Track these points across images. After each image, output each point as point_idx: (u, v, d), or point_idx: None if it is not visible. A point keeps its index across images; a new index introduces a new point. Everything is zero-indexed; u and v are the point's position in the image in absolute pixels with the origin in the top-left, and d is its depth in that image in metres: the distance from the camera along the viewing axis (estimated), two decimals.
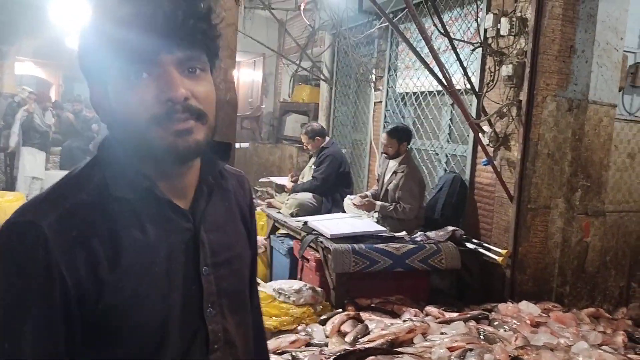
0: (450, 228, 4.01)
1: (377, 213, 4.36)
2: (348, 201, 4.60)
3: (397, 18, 4.98)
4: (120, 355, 0.82)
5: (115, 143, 0.87)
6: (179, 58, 0.82)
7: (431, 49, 3.56)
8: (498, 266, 3.87)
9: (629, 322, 3.50)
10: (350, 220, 4.23)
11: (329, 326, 3.09)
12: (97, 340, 0.81)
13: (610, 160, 3.96)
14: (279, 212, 4.83)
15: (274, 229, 4.78)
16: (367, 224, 4.14)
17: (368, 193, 4.58)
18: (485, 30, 4.06)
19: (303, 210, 4.70)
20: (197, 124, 0.83)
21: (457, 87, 3.86)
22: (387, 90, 5.89)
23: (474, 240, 4.12)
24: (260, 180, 6.54)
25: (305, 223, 4.07)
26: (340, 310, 3.35)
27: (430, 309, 3.35)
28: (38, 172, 8.13)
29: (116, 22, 0.79)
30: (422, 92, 5.26)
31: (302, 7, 6.95)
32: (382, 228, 3.99)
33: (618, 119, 3.99)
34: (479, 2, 4.24)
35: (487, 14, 4.06)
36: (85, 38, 0.84)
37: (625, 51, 3.94)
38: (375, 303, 3.50)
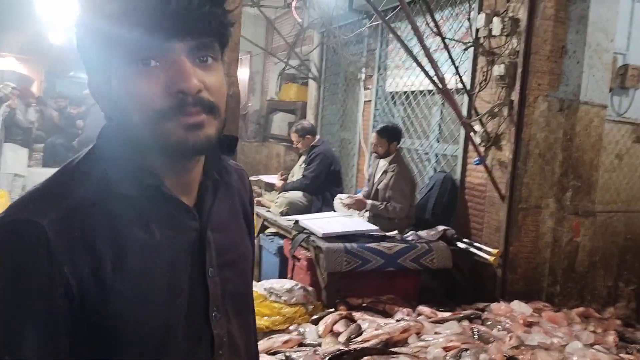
0: (441, 227, 4.01)
1: (368, 212, 4.34)
2: (338, 200, 4.58)
3: (387, 17, 4.96)
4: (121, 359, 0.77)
5: (116, 135, 0.80)
6: (191, 46, 0.74)
7: (424, 48, 3.55)
8: (489, 266, 3.87)
9: (618, 321, 3.53)
10: (342, 219, 4.21)
11: (321, 326, 3.06)
12: (98, 344, 0.76)
13: (600, 160, 3.98)
14: (269, 211, 4.79)
15: (263, 228, 4.73)
16: (359, 223, 4.12)
17: (360, 195, 4.55)
18: (477, 30, 4.07)
19: (293, 209, 4.67)
20: (209, 118, 0.77)
21: (449, 87, 3.85)
22: (377, 90, 5.87)
23: (465, 240, 4.11)
24: None
25: (297, 222, 4.03)
26: (332, 309, 3.32)
27: (422, 308, 3.34)
28: (20, 169, 7.96)
29: (124, 1, 0.71)
30: (412, 92, 5.25)
31: (293, 4, 6.89)
32: (374, 227, 3.97)
33: (607, 120, 4.02)
34: (471, 2, 4.23)
35: (479, 13, 4.06)
36: (87, 16, 0.75)
37: (614, 53, 3.97)
38: (366, 302, 3.48)
